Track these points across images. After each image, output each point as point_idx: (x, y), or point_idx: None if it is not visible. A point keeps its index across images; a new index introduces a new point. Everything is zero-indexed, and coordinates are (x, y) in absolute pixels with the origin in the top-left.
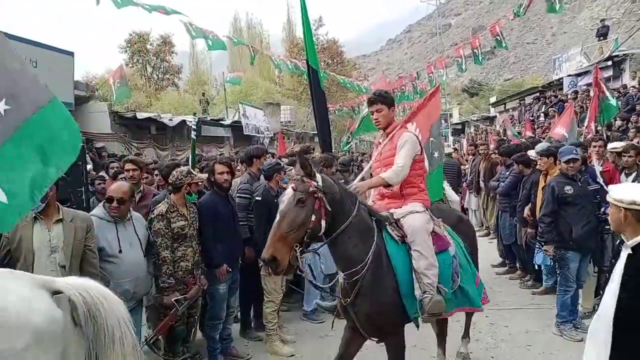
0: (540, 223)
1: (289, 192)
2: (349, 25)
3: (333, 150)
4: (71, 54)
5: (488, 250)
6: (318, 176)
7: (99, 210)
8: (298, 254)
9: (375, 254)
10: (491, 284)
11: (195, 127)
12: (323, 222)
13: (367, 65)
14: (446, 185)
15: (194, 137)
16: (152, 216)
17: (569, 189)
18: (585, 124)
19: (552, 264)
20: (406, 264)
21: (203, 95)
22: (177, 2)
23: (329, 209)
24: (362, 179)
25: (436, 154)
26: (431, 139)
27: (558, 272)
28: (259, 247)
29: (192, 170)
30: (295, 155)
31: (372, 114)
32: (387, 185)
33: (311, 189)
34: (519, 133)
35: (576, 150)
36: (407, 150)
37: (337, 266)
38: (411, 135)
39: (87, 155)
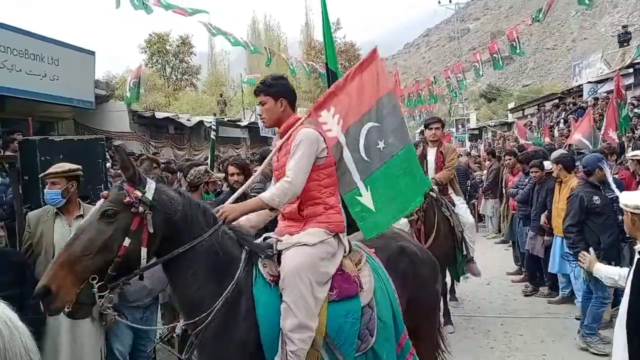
0: (568, 234)
1: (99, 202)
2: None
3: None
4: (92, 53)
5: (504, 257)
6: (149, 183)
7: None
8: (96, 289)
9: (232, 298)
10: (506, 292)
11: (215, 127)
12: (143, 250)
13: (384, 69)
14: (459, 201)
15: (214, 138)
16: None
17: (597, 199)
18: (602, 131)
19: (586, 278)
20: (278, 316)
21: (221, 96)
22: (196, 4)
23: (153, 231)
24: (238, 200)
25: (381, 145)
26: (369, 124)
27: (587, 282)
28: None
29: (209, 169)
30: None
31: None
32: (272, 209)
33: (126, 200)
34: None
35: (604, 159)
36: (299, 156)
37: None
38: (307, 133)
39: (107, 153)
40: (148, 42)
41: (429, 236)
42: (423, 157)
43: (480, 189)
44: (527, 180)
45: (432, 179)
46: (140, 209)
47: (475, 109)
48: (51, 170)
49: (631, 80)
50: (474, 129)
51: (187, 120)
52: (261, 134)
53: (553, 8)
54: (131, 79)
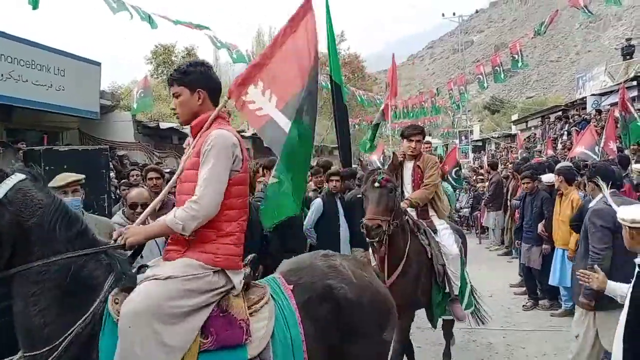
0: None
1: None
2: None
3: (353, 165)
4: (98, 64)
5: (508, 269)
6: (10, 178)
7: (118, 217)
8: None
9: (85, 335)
10: (509, 304)
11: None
12: None
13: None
14: (441, 226)
15: None
16: None
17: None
18: (602, 143)
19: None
20: None
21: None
22: (202, 15)
23: None
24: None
25: (307, 120)
26: (302, 94)
27: None
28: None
29: None
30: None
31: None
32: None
33: None
34: (540, 152)
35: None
36: (212, 167)
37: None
38: (221, 136)
39: (110, 163)
40: (154, 53)
41: (394, 270)
42: (395, 169)
43: (483, 201)
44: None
45: (405, 199)
46: None
47: (479, 121)
48: (75, 178)
49: (635, 93)
50: (477, 141)
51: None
52: (264, 144)
53: (556, 21)
54: (138, 90)
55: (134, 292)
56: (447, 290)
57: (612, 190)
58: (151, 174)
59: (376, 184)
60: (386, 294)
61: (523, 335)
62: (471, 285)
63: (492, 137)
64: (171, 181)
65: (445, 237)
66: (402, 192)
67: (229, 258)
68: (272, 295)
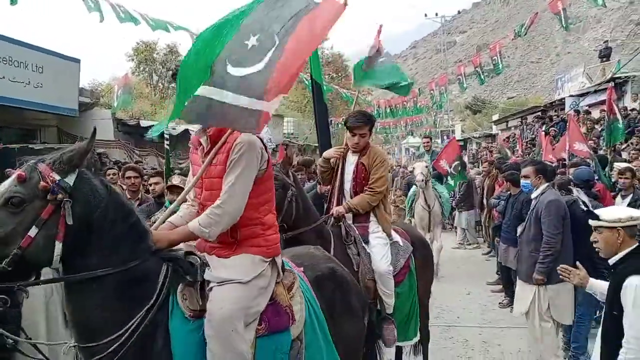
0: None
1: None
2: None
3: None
4: (77, 61)
5: (485, 267)
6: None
7: None
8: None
9: (145, 329)
10: (486, 301)
11: (167, 136)
12: (57, 245)
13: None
14: (376, 236)
15: (167, 148)
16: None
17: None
18: (567, 145)
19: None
20: (198, 356)
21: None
22: (184, 13)
23: (71, 224)
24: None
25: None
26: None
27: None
28: None
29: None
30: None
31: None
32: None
33: (42, 185)
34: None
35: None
36: (240, 173)
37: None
38: (249, 141)
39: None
40: (135, 50)
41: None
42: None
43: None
44: (506, 191)
45: (344, 204)
46: (59, 196)
47: (460, 121)
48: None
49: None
50: (458, 140)
51: (173, 129)
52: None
53: (537, 23)
54: (119, 87)
55: (223, 297)
56: (379, 307)
57: (548, 183)
58: (129, 173)
59: None
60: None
61: (499, 332)
62: (420, 313)
63: (474, 137)
64: (190, 184)
65: (376, 249)
66: (342, 190)
67: (276, 247)
68: None
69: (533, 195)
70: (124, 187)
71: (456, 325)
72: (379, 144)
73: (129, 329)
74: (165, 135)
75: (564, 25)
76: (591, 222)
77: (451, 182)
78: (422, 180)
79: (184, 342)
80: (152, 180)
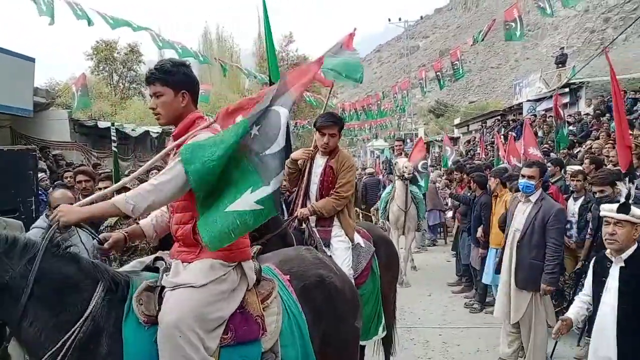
0: None
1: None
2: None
3: None
4: (32, 60)
5: (446, 268)
6: None
7: (41, 221)
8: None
9: (82, 338)
10: (446, 302)
11: (114, 138)
12: None
13: (337, 83)
14: (338, 240)
15: (115, 150)
16: (102, 227)
17: None
18: (522, 150)
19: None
20: None
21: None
22: (146, 14)
23: None
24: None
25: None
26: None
27: None
28: None
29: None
30: None
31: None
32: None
33: None
34: (478, 154)
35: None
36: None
37: None
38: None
39: (39, 164)
40: (95, 49)
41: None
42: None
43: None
44: (470, 193)
45: (308, 206)
46: None
47: (424, 124)
48: None
49: (567, 99)
50: None
51: (132, 130)
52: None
53: (497, 29)
54: (76, 88)
55: (174, 302)
56: None
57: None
58: (80, 177)
59: None
60: (355, 288)
61: (458, 332)
62: (389, 318)
63: (436, 140)
64: (128, 178)
65: (337, 253)
66: (307, 193)
67: (241, 250)
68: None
69: (532, 199)
70: (77, 190)
71: (417, 327)
72: (344, 147)
73: (65, 340)
74: (113, 137)
75: (517, 34)
76: (617, 215)
77: (422, 182)
78: (410, 173)
79: (136, 348)
80: (102, 184)
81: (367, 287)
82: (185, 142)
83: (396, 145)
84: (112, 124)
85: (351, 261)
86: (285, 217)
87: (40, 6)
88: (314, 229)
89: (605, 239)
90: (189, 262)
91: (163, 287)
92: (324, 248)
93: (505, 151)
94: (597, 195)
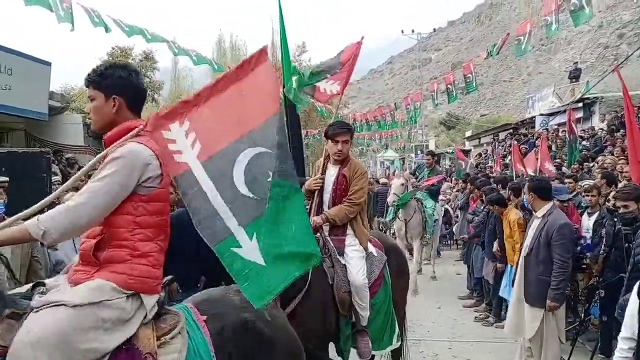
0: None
1: None
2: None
3: (306, 175)
4: (48, 64)
5: (456, 281)
6: None
7: None
8: None
9: None
10: (456, 315)
11: None
12: None
13: (348, 93)
14: (353, 249)
15: None
16: None
17: None
18: (539, 164)
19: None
20: None
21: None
22: (161, 22)
23: None
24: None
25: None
26: (257, 150)
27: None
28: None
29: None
30: None
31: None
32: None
33: None
34: (491, 167)
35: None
36: (103, 177)
37: None
38: (131, 150)
39: (52, 167)
40: (110, 56)
41: (294, 298)
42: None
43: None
44: (482, 206)
45: (322, 214)
46: None
47: (435, 136)
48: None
49: (580, 114)
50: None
51: None
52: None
53: (510, 43)
54: None
55: (34, 320)
56: (354, 320)
57: (552, 203)
58: None
59: None
60: (297, 339)
61: (468, 346)
62: (400, 327)
63: (447, 152)
64: (54, 193)
65: (353, 262)
66: (321, 202)
67: (145, 280)
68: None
69: (538, 214)
70: None
71: (426, 339)
72: (355, 157)
73: None
74: None
75: (523, 48)
76: None
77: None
78: (393, 202)
79: None
80: None
81: (380, 296)
82: (110, 153)
83: (426, 159)
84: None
85: (365, 271)
86: None
87: (58, 12)
88: (328, 238)
89: None
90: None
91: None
92: (338, 257)
93: (520, 160)
94: (621, 211)
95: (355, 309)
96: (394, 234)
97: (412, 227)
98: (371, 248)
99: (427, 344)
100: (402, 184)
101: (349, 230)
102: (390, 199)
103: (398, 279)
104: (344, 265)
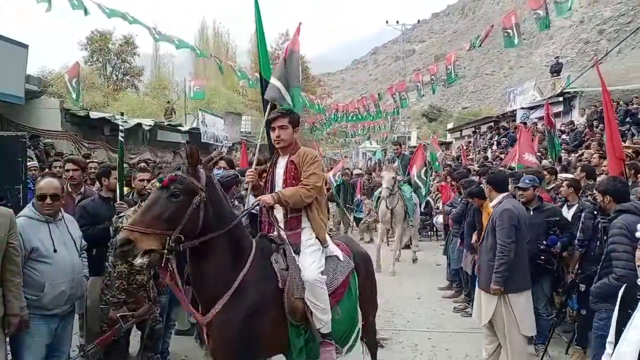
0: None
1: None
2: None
3: None
4: (25, 46)
5: (436, 272)
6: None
7: (28, 210)
8: (167, 251)
9: None
10: (435, 306)
11: (122, 127)
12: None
13: (331, 83)
14: (308, 244)
15: (122, 140)
16: (118, 225)
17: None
18: (517, 155)
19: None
20: None
21: (168, 102)
22: (144, 7)
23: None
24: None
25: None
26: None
27: None
28: None
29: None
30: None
31: None
32: None
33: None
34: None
35: (529, 179)
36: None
37: None
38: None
39: (28, 152)
40: (90, 39)
41: (213, 302)
42: (196, 164)
43: None
44: (460, 198)
45: (274, 193)
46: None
47: (417, 128)
48: None
49: (561, 108)
50: (414, 147)
51: (124, 122)
52: (202, 140)
53: (492, 36)
54: (70, 77)
55: None
56: (315, 327)
57: (506, 193)
58: (68, 165)
59: (157, 184)
60: None
61: (447, 336)
62: (367, 331)
63: (428, 144)
64: None
65: (307, 255)
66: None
67: None
68: None
69: (492, 204)
70: (65, 178)
71: (406, 330)
72: (337, 147)
73: None
74: (121, 128)
75: (515, 41)
76: None
77: (423, 190)
78: (388, 194)
79: None
80: (140, 175)
81: (343, 306)
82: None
83: (395, 149)
84: (122, 114)
85: (322, 264)
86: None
87: None
88: (283, 234)
89: (638, 266)
90: None
91: None
92: (294, 256)
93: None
94: (598, 200)
95: (311, 311)
96: (376, 219)
97: (397, 213)
98: (337, 251)
99: (406, 334)
100: (393, 177)
101: (305, 222)
102: (384, 192)
103: (367, 288)
104: (298, 265)
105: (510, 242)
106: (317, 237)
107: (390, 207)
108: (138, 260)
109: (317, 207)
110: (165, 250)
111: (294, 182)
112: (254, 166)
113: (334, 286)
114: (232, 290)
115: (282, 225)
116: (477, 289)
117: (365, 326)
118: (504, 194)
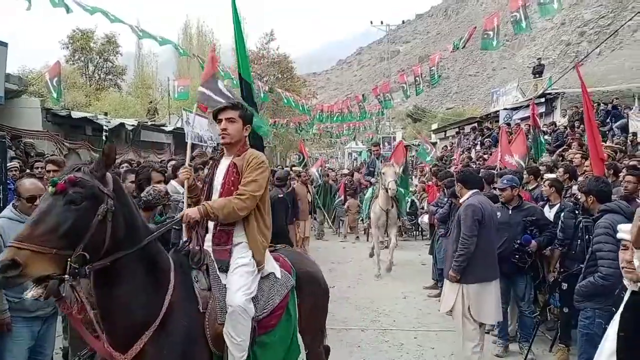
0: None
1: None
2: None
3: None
4: (5, 44)
5: (422, 271)
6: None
7: (8, 211)
8: (69, 276)
9: None
10: (421, 305)
11: (106, 127)
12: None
13: (317, 84)
14: (241, 261)
15: (105, 138)
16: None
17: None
18: (499, 157)
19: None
20: None
21: (150, 102)
22: (126, 7)
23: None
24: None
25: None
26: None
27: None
28: None
29: (169, 191)
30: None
31: None
32: None
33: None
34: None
35: (507, 180)
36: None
37: None
38: None
39: (9, 152)
40: (71, 38)
41: (141, 334)
42: (111, 164)
43: None
44: (446, 198)
45: (200, 205)
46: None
47: (402, 128)
48: None
49: (542, 109)
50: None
51: (107, 122)
52: (186, 140)
53: (476, 37)
54: (52, 77)
55: None
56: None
57: (475, 190)
58: (50, 166)
59: (50, 188)
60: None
61: (433, 335)
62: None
63: (413, 145)
64: None
65: (235, 277)
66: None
67: None
68: None
69: (461, 201)
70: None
71: (392, 329)
72: (324, 148)
73: None
74: (105, 127)
75: (494, 43)
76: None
77: (401, 189)
78: (395, 189)
79: None
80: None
81: (277, 333)
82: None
83: (374, 150)
84: (105, 114)
85: (251, 290)
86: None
87: None
88: (206, 249)
89: (623, 267)
90: None
91: None
92: (219, 274)
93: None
94: (581, 200)
95: (226, 348)
96: (369, 224)
97: (392, 215)
98: (274, 267)
99: (392, 334)
100: (396, 172)
101: (240, 237)
102: (392, 185)
103: (313, 314)
104: (224, 285)
105: (472, 235)
106: (252, 257)
107: (385, 209)
108: (30, 293)
109: (258, 221)
110: (67, 275)
111: (232, 188)
112: (187, 163)
113: (269, 308)
114: (159, 319)
115: (208, 240)
116: (445, 279)
117: (311, 358)
118: (473, 191)
